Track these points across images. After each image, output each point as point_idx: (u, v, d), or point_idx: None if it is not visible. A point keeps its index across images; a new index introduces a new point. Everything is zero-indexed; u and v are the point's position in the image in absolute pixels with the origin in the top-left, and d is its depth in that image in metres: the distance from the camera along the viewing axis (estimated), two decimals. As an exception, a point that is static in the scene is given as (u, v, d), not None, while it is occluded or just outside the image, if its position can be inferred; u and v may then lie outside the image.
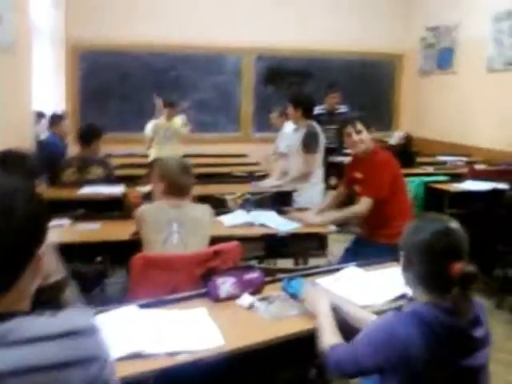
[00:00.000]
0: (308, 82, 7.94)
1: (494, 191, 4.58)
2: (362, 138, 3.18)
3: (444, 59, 7.61)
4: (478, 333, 1.52)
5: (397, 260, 1.71)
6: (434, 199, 4.80)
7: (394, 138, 6.40)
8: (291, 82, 7.97)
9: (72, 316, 1.09)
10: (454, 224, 1.57)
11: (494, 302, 4.10)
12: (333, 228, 3.34)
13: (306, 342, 1.84)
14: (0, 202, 1.00)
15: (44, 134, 5.20)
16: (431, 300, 1.53)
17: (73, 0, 6.79)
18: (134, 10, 7.18)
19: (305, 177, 4.33)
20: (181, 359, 1.60)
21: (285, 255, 3.25)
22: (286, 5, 7.69)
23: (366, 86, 8.14)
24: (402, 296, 2.14)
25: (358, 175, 3.27)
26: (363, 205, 3.15)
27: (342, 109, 6.32)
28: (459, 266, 1.47)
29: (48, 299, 1.24)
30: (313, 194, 4.25)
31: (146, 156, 6.03)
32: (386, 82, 8.38)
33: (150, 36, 7.19)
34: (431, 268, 1.52)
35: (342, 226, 3.80)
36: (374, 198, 3.12)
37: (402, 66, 8.46)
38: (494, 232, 4.29)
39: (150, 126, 5.99)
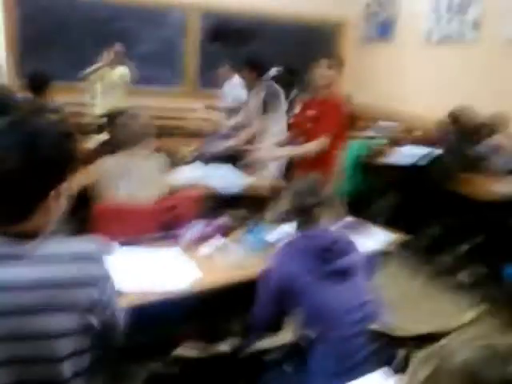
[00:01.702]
0: (252, 41, 7.98)
1: (427, 155, 4.88)
2: (330, 74, 3.38)
3: (385, 28, 7.85)
4: (338, 246, 1.96)
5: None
6: (372, 162, 5.08)
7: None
8: (236, 41, 7.98)
9: (88, 242, 1.23)
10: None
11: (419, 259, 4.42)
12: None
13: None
14: (28, 139, 1.13)
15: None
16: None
17: None
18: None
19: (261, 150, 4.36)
20: (159, 295, 1.72)
21: (239, 208, 3.37)
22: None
23: (309, 51, 8.23)
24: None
25: (310, 113, 3.44)
26: (321, 143, 3.29)
27: (273, 71, 6.36)
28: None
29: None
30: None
31: (91, 105, 5.95)
32: (329, 48, 8.52)
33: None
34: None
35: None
36: (329, 137, 3.28)
37: (346, 33, 8.63)
38: (422, 195, 4.58)
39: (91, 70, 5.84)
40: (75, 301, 1.18)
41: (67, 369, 1.19)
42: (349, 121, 3.83)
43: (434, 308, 3.53)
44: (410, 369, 0.87)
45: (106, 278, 1.25)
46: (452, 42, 6.48)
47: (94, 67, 5.81)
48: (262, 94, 4.33)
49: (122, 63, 5.85)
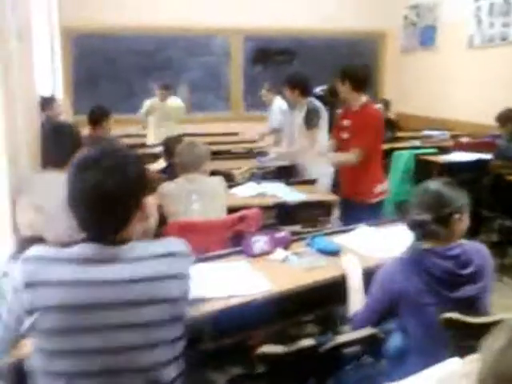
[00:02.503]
0: (294, 60, 8.17)
1: (479, 161, 4.91)
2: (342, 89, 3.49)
3: (426, 37, 7.88)
4: (467, 271, 1.82)
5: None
6: (423, 171, 5.10)
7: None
8: (278, 61, 8.18)
9: (172, 242, 1.47)
10: (434, 184, 1.90)
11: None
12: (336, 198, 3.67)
13: (332, 287, 2.17)
14: (117, 162, 1.36)
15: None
16: (427, 246, 1.86)
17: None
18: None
19: (307, 150, 4.41)
20: (235, 301, 1.86)
21: (295, 222, 3.51)
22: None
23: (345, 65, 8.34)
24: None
25: (346, 123, 3.53)
26: (357, 155, 3.39)
27: (318, 90, 6.50)
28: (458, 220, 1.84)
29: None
30: (322, 167, 4.39)
31: (142, 136, 6.23)
32: (370, 60, 8.62)
33: (139, 19, 7.29)
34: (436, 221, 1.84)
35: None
36: (364, 149, 3.37)
37: (386, 44, 8.71)
38: (479, 199, 4.61)
39: (144, 106, 6.16)
40: (171, 292, 1.36)
41: (163, 354, 1.36)
42: (389, 128, 3.89)
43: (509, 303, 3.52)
44: (485, 342, 0.96)
45: (189, 274, 1.44)
46: (495, 45, 6.45)
47: (146, 105, 6.09)
48: (303, 112, 4.44)
49: (172, 94, 6.12)
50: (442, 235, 1.84)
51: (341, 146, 3.63)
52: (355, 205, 3.49)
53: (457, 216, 1.84)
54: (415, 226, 1.88)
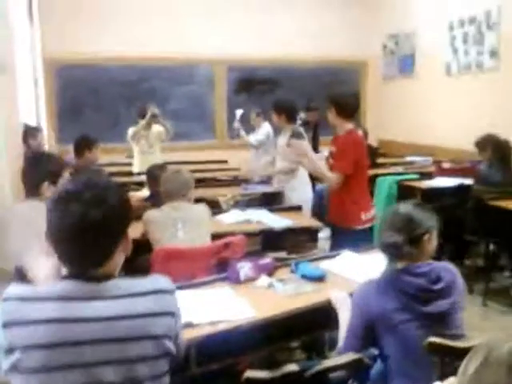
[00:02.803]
0: (277, 89, 8.28)
1: (461, 187, 4.99)
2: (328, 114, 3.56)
3: (405, 65, 8.07)
4: (438, 286, 1.88)
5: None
6: (406, 196, 5.14)
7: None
8: (261, 90, 8.29)
9: (157, 279, 1.45)
10: (403, 206, 1.99)
11: (465, 287, 4.44)
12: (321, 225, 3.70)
13: (318, 313, 2.18)
14: (98, 193, 1.35)
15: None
16: (399, 266, 1.92)
17: (45, 15, 6.88)
18: (105, 24, 7.35)
19: (290, 172, 4.53)
20: (221, 327, 1.86)
21: (280, 248, 3.52)
22: (253, 16, 8.01)
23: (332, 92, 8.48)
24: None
25: (333, 149, 3.59)
26: (335, 176, 3.42)
27: (302, 115, 6.59)
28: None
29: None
30: (305, 192, 4.50)
31: (127, 164, 6.22)
32: (351, 88, 8.74)
33: (123, 49, 7.38)
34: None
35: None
36: (343, 173, 3.40)
37: (366, 72, 8.89)
38: (463, 224, 4.66)
39: (130, 133, 6.15)
40: (155, 329, 1.34)
41: None
42: (370, 160, 3.93)
43: (494, 327, 3.55)
44: (461, 366, 0.97)
45: (178, 309, 1.43)
46: (471, 73, 6.62)
47: (132, 132, 6.08)
48: (287, 136, 4.50)
49: (156, 122, 6.11)
50: (413, 255, 1.90)
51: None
52: (343, 231, 3.50)
53: (427, 236, 1.92)
54: (387, 247, 1.95)
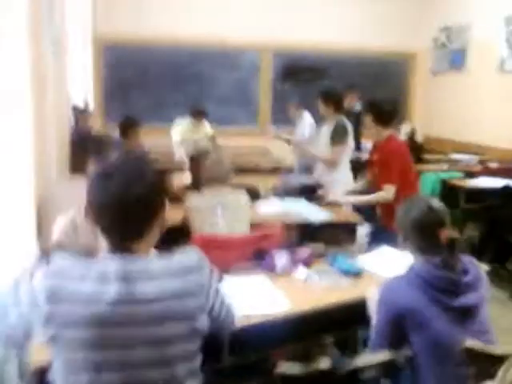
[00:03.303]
0: (323, 79, 8.19)
1: (506, 187, 4.85)
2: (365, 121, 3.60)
3: (456, 59, 7.85)
4: (466, 279, 1.88)
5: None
6: (449, 195, 5.06)
7: (400, 132, 6.66)
8: (307, 79, 8.22)
9: (188, 255, 1.47)
10: (434, 201, 2.01)
11: (506, 292, 4.33)
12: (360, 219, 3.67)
13: (353, 309, 2.17)
14: (136, 169, 1.41)
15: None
16: (426, 260, 1.92)
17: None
18: (157, 5, 7.43)
19: (330, 164, 4.50)
20: (256, 319, 1.87)
21: (317, 241, 3.51)
22: (301, 3, 7.93)
23: (380, 84, 8.34)
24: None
25: (375, 157, 3.58)
26: (389, 192, 3.41)
27: (357, 107, 6.58)
28: (446, 233, 1.92)
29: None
30: (346, 186, 4.39)
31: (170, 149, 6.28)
32: (400, 81, 8.62)
33: (172, 31, 7.43)
34: (425, 238, 1.95)
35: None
36: (394, 184, 3.39)
37: (415, 66, 8.70)
38: (506, 226, 4.55)
39: (176, 132, 6.17)
40: (187, 309, 1.38)
41: (181, 370, 1.38)
42: (415, 157, 3.86)
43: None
44: (499, 373, 0.96)
45: (208, 285, 1.45)
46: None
47: (178, 129, 6.12)
48: (331, 128, 4.47)
49: (203, 119, 6.15)
50: (439, 249, 1.91)
51: (375, 180, 3.67)
52: (390, 233, 3.44)
53: (449, 230, 1.95)
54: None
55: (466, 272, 1.90)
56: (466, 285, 1.87)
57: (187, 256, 1.46)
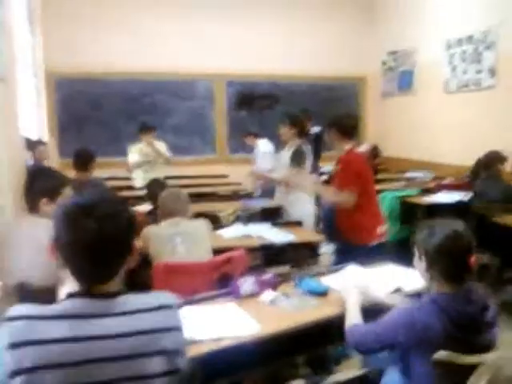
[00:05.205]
0: (276, 105, 8.32)
1: (461, 202, 4.99)
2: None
3: (404, 81, 8.12)
4: (487, 317, 1.82)
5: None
6: (407, 212, 5.17)
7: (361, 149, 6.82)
8: (262, 106, 8.33)
9: (162, 294, 1.44)
10: (460, 225, 1.89)
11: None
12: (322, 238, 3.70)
13: (323, 328, 2.16)
14: (109, 208, 1.34)
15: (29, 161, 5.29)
16: (449, 290, 1.85)
17: (47, 27, 6.91)
18: (108, 38, 7.42)
19: (286, 185, 4.49)
20: (226, 343, 1.84)
21: (281, 263, 3.51)
22: (252, 32, 8.10)
23: (332, 108, 8.44)
24: (398, 289, 2.46)
25: (337, 168, 3.63)
26: (350, 196, 3.42)
27: (316, 129, 6.69)
28: (474, 259, 1.82)
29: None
30: (304, 208, 4.45)
31: (128, 178, 6.21)
32: (351, 104, 8.82)
33: (124, 63, 7.44)
34: (453, 263, 1.84)
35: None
36: (354, 191, 3.41)
37: (366, 89, 8.94)
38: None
39: (134, 151, 6.14)
40: (165, 344, 1.32)
41: None
42: (374, 173, 3.95)
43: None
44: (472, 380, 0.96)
45: (182, 324, 1.41)
46: (470, 91, 6.66)
47: (136, 148, 6.10)
48: (291, 152, 4.52)
49: (155, 137, 6.14)
50: (467, 275, 1.85)
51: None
52: (356, 247, 3.47)
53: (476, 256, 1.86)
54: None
55: (486, 307, 1.84)
56: (486, 323, 1.82)
57: (163, 295, 1.44)
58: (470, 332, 1.79)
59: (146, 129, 6.10)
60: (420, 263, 1.94)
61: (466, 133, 6.61)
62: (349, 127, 3.60)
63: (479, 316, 1.81)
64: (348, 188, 3.43)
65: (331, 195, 3.61)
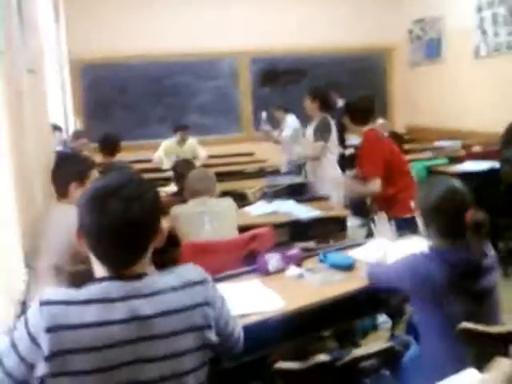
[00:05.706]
0: (302, 79, 8.23)
1: (491, 170, 4.88)
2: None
3: (432, 49, 7.93)
4: (485, 262, 1.89)
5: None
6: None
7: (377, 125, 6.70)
8: (286, 82, 8.26)
9: (188, 270, 1.45)
10: (457, 182, 1.96)
11: (500, 271, 4.36)
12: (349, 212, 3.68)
13: (349, 302, 2.17)
14: (134, 189, 1.34)
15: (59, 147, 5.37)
16: (447, 245, 1.91)
17: (71, 16, 6.98)
18: (130, 22, 7.44)
19: (312, 160, 4.55)
20: (252, 319, 1.86)
21: (309, 238, 3.52)
22: (274, 8, 7.99)
23: (359, 80, 8.38)
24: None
25: (359, 152, 3.63)
26: (375, 185, 3.38)
27: (339, 104, 6.61)
28: (470, 215, 1.86)
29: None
30: (333, 180, 4.39)
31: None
32: (378, 75, 8.68)
33: (147, 46, 7.45)
34: (448, 220, 1.89)
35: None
36: (378, 175, 3.36)
37: (392, 59, 8.77)
38: (494, 208, 4.56)
39: (162, 148, 6.18)
40: (195, 322, 1.35)
41: (191, 382, 1.35)
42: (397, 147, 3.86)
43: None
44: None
45: (214, 297, 1.44)
46: (501, 54, 6.46)
47: (163, 148, 6.16)
48: (314, 125, 4.49)
49: (188, 135, 6.20)
50: (463, 231, 1.88)
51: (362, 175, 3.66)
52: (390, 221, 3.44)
53: (472, 211, 1.89)
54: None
55: (485, 254, 1.89)
56: (485, 268, 1.88)
57: (189, 270, 1.44)
58: (471, 277, 1.85)
59: (179, 129, 6.15)
60: (420, 221, 2.01)
61: (496, 99, 6.43)
62: (361, 111, 3.53)
63: (479, 261, 1.87)
64: (371, 175, 3.37)
65: (361, 191, 3.59)
